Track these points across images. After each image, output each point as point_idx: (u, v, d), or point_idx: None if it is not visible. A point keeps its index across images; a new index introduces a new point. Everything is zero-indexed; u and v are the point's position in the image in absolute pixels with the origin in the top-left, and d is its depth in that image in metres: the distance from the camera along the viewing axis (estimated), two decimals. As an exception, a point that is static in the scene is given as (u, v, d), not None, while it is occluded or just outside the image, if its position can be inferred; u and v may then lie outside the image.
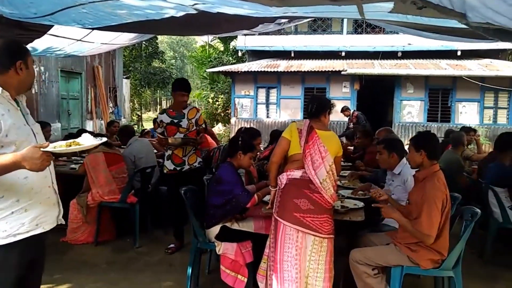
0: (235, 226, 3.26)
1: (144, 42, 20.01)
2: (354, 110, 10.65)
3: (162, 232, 4.79)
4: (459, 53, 12.91)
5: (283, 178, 2.85)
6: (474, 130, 6.43)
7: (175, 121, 4.12)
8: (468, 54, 12.97)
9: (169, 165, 4.19)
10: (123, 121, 13.72)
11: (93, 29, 4.31)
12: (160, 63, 21.81)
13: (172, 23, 3.69)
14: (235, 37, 16.15)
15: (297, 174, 2.80)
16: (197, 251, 3.39)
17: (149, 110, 44.01)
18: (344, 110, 10.37)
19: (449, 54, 13.07)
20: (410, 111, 12.66)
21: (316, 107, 2.95)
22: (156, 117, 4.33)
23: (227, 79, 17.40)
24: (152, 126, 7.18)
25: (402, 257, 2.88)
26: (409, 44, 12.96)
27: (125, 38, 5.50)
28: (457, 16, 2.19)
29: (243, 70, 12.83)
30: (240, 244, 3.20)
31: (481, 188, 4.49)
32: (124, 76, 16.89)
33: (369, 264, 2.92)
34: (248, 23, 4.70)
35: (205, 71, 17.96)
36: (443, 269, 2.86)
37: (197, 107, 4.62)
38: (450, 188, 5.22)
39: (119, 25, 3.83)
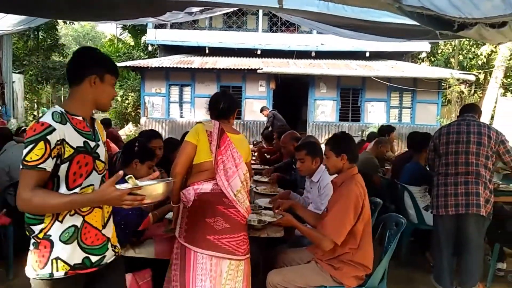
0: (130, 253, 2.66)
1: (41, 34, 17.97)
2: (271, 110, 10.55)
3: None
4: (367, 54, 13.47)
5: (190, 194, 2.34)
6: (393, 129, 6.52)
7: (92, 145, 1.76)
8: (376, 56, 13.59)
9: (70, 256, 1.66)
10: (13, 122, 11.98)
11: None
12: (61, 57, 19.79)
13: (58, 2, 2.98)
14: (147, 31, 15.12)
15: (207, 187, 2.33)
16: (82, 285, 2.73)
17: (52, 109, 40.28)
18: (262, 110, 10.14)
19: (358, 55, 13.57)
20: (324, 111, 12.90)
21: (229, 105, 2.51)
22: (33, 127, 1.62)
23: (138, 75, 16.28)
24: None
25: (325, 277, 2.55)
26: (322, 44, 13.19)
27: (7, 24, 4.50)
28: (391, -1, 1.89)
29: (153, 66, 11.96)
30: (137, 274, 2.62)
31: (396, 189, 4.45)
32: (17, 71, 14.91)
33: (289, 287, 2.55)
34: (152, 9, 4.09)
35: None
36: (368, 286, 2.59)
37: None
38: (367, 189, 5.16)
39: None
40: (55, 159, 1.60)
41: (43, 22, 8.11)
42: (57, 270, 1.63)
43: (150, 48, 14.91)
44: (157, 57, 14.48)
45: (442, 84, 12.89)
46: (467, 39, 15.84)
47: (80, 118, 1.73)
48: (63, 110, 1.69)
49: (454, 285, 3.65)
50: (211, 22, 13.99)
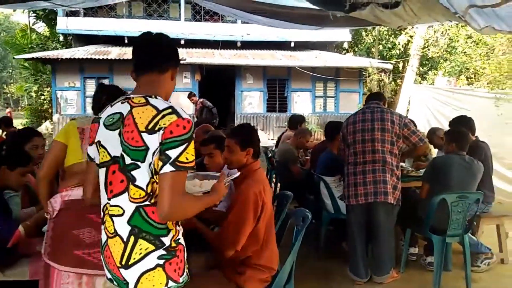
0: (-2, 276, 2.25)
1: None
2: (201, 99, 10.36)
3: None
4: (292, 44, 13.53)
5: (56, 202, 2.02)
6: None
7: None
8: (300, 46, 13.71)
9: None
10: None
11: None
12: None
13: None
14: (57, 19, 13.89)
15: (77, 193, 2.00)
16: None
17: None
18: (191, 96, 9.87)
19: (283, 45, 13.60)
20: (251, 102, 12.77)
21: (111, 98, 2.18)
22: (182, 124, 1.45)
23: (53, 69, 14.95)
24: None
25: (228, 284, 2.33)
26: (248, 34, 13.01)
27: None
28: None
29: (64, 58, 10.95)
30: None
31: (314, 179, 4.40)
32: None
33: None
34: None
35: (14, 58, 15.00)
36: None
37: None
38: (287, 179, 5.05)
39: None
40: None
41: None
42: (188, 267, 1.61)
43: (62, 38, 13.64)
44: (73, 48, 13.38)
45: (363, 73, 13.37)
46: (386, 29, 16.57)
47: None
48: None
49: (369, 274, 3.65)
50: (130, 10, 13.19)
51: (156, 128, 1.40)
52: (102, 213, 1.58)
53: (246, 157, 2.36)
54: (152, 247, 1.45)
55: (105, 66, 11.56)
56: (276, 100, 12.93)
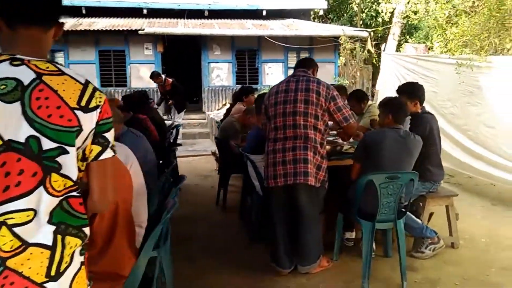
0: None
1: None
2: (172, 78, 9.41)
3: None
4: (264, 13, 12.78)
5: None
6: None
7: None
8: (273, 14, 12.96)
9: None
10: None
11: None
12: None
13: None
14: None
15: None
16: None
17: None
18: (154, 76, 8.65)
19: (255, 14, 12.84)
20: (219, 74, 12.08)
21: None
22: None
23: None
24: None
25: None
26: (215, 2, 12.21)
27: None
28: None
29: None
30: None
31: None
32: None
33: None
34: None
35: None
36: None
37: None
38: (227, 156, 4.58)
39: None
40: None
41: None
42: None
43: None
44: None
45: (340, 42, 12.65)
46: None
47: None
48: None
49: (293, 263, 3.23)
50: (88, -22, 12.30)
51: (92, 106, 1.18)
52: None
53: None
54: (79, 242, 1.20)
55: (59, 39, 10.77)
56: (246, 72, 12.26)
